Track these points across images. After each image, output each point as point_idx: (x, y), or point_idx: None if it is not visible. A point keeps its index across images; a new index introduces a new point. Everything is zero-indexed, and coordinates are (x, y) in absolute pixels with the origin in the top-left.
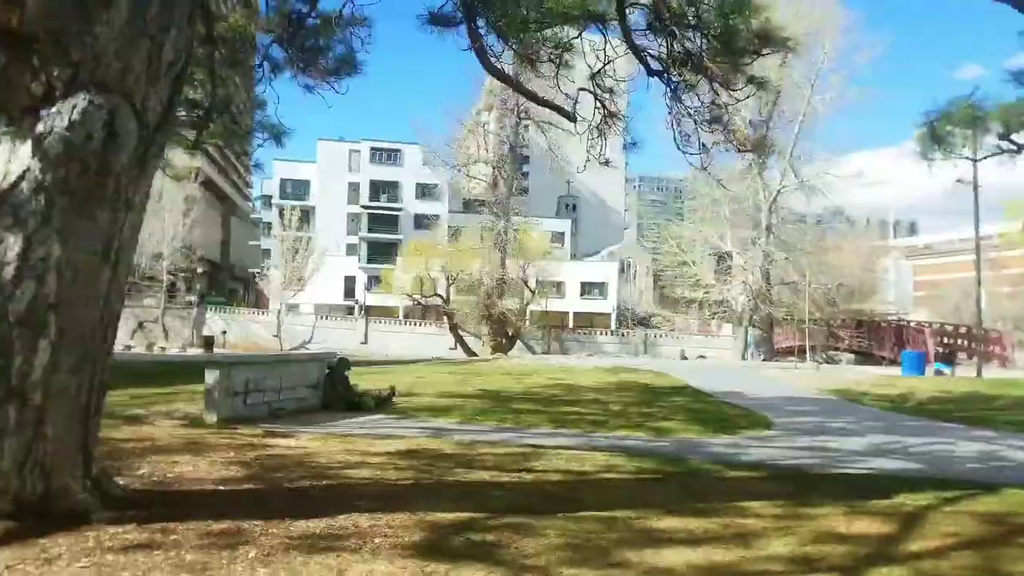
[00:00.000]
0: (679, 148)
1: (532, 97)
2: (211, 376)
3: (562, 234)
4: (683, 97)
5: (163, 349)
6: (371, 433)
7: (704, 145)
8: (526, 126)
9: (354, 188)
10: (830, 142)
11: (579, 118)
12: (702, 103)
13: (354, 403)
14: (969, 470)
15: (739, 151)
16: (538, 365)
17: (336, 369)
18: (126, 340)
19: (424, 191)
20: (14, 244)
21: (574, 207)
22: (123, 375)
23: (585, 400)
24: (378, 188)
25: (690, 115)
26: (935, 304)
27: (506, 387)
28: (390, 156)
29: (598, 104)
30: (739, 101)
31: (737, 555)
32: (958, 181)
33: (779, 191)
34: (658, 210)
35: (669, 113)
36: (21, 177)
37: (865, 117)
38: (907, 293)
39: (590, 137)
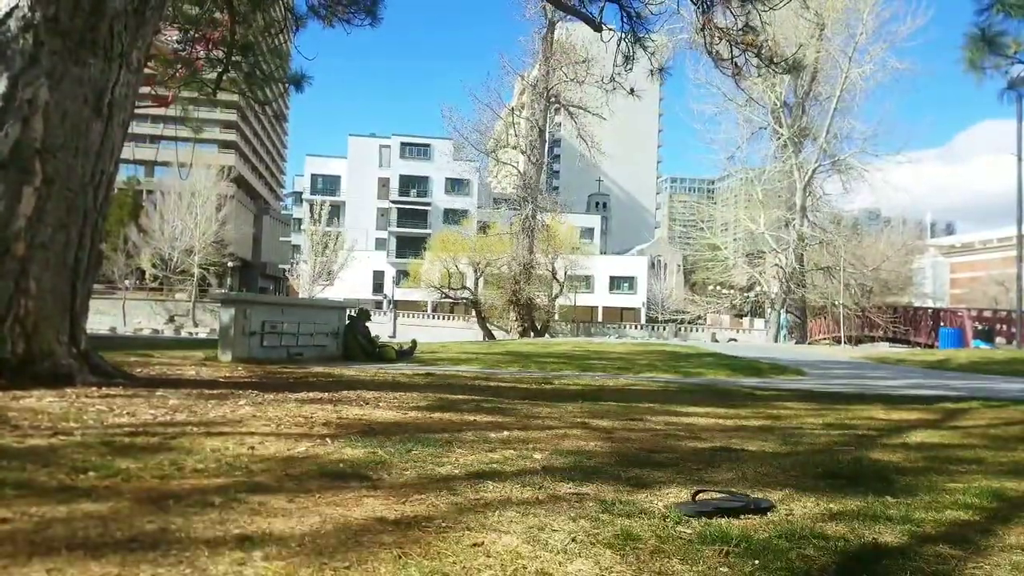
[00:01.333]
0: (711, 57)
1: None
2: (226, 315)
3: (592, 230)
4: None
5: (191, 333)
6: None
7: (736, 64)
8: (556, 108)
9: (384, 183)
10: (868, 119)
11: (604, 27)
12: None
13: (374, 353)
14: (1012, 398)
15: (771, 67)
16: (564, 340)
17: (356, 319)
18: (157, 328)
19: (453, 186)
20: None
21: (605, 205)
22: (146, 344)
23: (611, 357)
24: (408, 183)
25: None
26: (972, 299)
27: (531, 351)
28: (420, 151)
29: (623, 14)
30: (772, 9)
31: (768, 423)
32: (1009, 87)
33: (814, 169)
34: (690, 211)
35: (701, 31)
36: (9, 14)
37: (907, 111)
38: (944, 288)
39: (615, 64)
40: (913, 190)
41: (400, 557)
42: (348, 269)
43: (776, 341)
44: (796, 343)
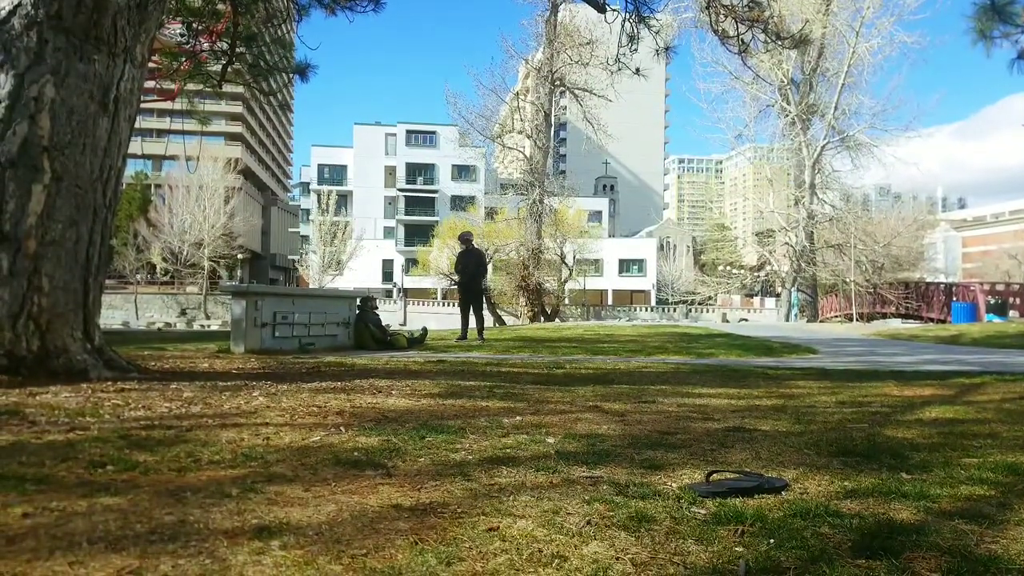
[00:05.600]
0: (717, 35)
1: None
2: (238, 306)
3: (600, 213)
4: None
5: (203, 326)
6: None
7: (743, 41)
8: (562, 92)
9: (390, 171)
10: (877, 94)
11: (608, 7)
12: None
13: (385, 342)
14: None
15: (778, 43)
16: (575, 325)
17: (365, 307)
18: (169, 321)
19: (460, 172)
20: (5, 82)
21: (612, 188)
22: (159, 338)
23: (622, 340)
24: (414, 171)
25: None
26: (984, 272)
27: (542, 336)
28: (426, 138)
29: None
30: None
31: (781, 402)
32: (1019, 57)
33: (823, 146)
34: (698, 191)
35: (706, 8)
36: (12, 12)
37: (928, 85)
38: (956, 263)
39: (620, 45)
40: (929, 166)
41: (416, 543)
42: (357, 258)
43: (787, 320)
44: (808, 322)
